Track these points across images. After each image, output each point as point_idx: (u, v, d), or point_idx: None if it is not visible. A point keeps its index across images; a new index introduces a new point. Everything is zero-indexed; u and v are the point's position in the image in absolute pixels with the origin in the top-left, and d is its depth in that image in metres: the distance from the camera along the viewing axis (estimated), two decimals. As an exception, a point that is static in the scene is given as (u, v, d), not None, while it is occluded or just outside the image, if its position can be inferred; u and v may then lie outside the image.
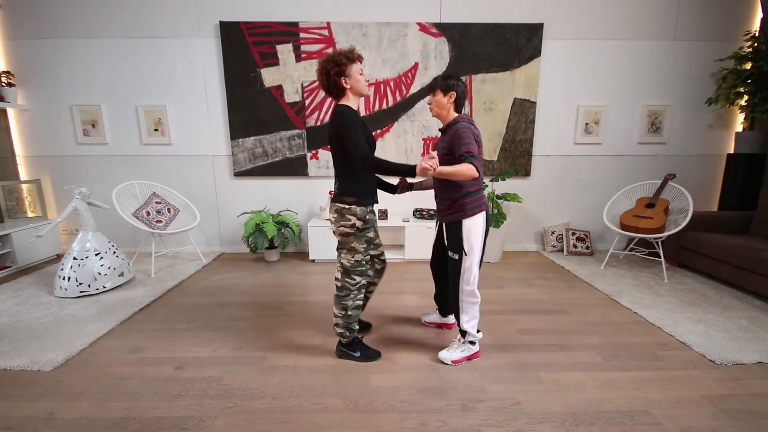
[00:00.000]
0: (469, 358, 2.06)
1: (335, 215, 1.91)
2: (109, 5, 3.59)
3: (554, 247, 4.10)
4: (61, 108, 3.79)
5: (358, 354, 2.06)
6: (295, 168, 3.91)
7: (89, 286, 2.86)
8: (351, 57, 1.83)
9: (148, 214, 3.55)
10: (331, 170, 3.93)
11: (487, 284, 3.19)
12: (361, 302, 2.04)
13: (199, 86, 3.77)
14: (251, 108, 3.77)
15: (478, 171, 1.76)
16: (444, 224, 2.02)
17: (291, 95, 3.76)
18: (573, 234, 4.02)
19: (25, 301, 2.80)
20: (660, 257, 3.38)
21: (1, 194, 3.71)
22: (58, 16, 3.61)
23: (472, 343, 2.04)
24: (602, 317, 2.58)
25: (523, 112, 3.85)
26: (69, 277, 2.82)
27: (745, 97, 3.65)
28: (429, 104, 2.02)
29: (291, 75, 3.72)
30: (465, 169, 1.74)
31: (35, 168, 3.93)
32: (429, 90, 2.00)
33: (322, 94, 3.76)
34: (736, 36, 3.73)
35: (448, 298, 2.23)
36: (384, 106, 3.80)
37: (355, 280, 1.98)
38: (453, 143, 1.85)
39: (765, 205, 3.26)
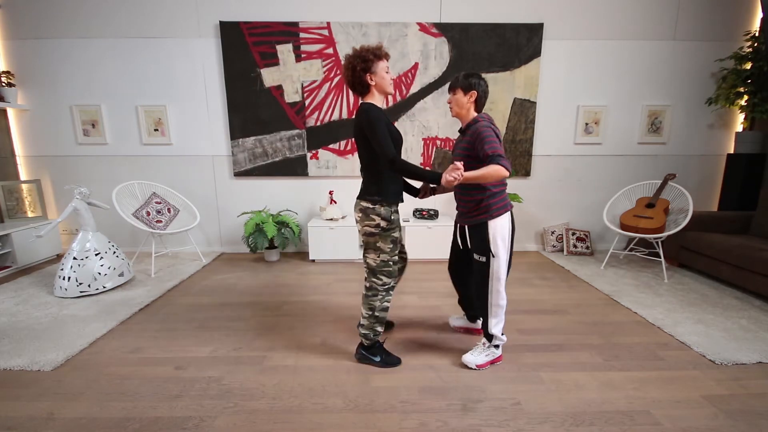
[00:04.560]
0: (492, 362, 2.01)
1: (360, 214, 1.88)
2: (109, 5, 3.59)
3: (554, 247, 4.10)
4: (61, 108, 3.79)
5: (377, 359, 2.01)
6: (295, 168, 3.91)
7: (89, 286, 2.86)
8: (378, 54, 1.80)
9: (148, 214, 3.55)
10: (331, 170, 3.93)
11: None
12: (389, 304, 1.99)
13: (199, 86, 3.77)
14: (251, 108, 3.77)
15: (507, 169, 1.69)
16: (467, 227, 1.97)
17: (291, 95, 3.76)
18: (573, 234, 4.02)
19: (25, 301, 2.80)
20: (660, 257, 3.38)
21: (1, 194, 3.71)
22: (58, 16, 3.61)
23: (497, 347, 2.01)
24: (602, 317, 2.58)
25: (523, 112, 3.85)
26: (69, 277, 2.82)
27: (745, 97, 3.65)
28: (449, 103, 1.95)
29: (291, 75, 3.72)
30: (493, 171, 1.68)
31: (35, 168, 3.93)
32: (449, 88, 1.93)
33: (322, 94, 3.76)
34: (736, 36, 3.73)
35: (472, 302, 2.22)
36: (384, 106, 3.79)
37: (381, 280, 1.92)
38: (474, 144, 1.80)
39: (765, 205, 3.25)
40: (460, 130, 1.97)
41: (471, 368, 1.98)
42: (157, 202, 3.67)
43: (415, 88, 3.78)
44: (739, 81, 3.59)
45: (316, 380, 1.90)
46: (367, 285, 1.96)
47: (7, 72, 3.65)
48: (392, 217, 1.86)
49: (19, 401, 1.74)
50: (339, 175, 3.94)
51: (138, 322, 2.51)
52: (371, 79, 1.81)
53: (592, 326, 2.45)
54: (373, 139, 1.74)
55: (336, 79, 3.74)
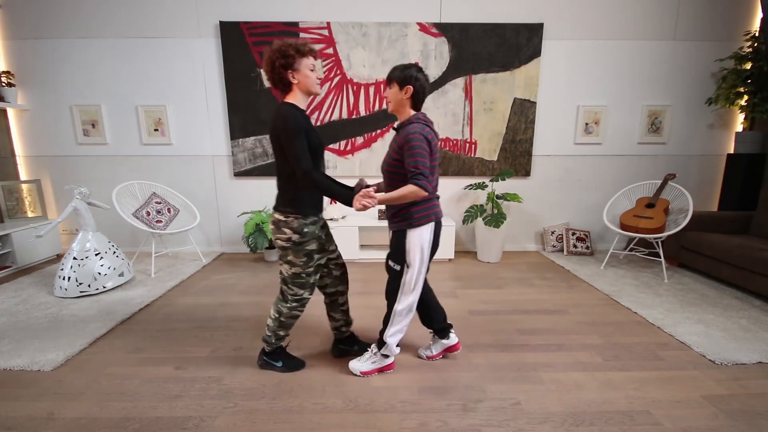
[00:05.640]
0: (380, 370, 1.94)
1: (272, 226, 1.76)
2: (109, 5, 3.59)
3: (554, 247, 4.10)
4: (61, 108, 3.79)
5: (280, 364, 1.96)
6: (295, 168, 3.90)
7: (89, 286, 2.86)
8: (302, 50, 1.65)
9: (148, 214, 3.55)
10: (330, 170, 3.93)
11: (487, 284, 3.19)
12: (299, 314, 1.89)
13: (199, 86, 3.77)
14: (251, 108, 3.77)
15: (426, 190, 1.61)
16: (390, 232, 1.86)
17: (291, 95, 3.75)
18: (573, 234, 4.02)
19: (25, 301, 2.80)
20: (660, 257, 3.38)
21: (1, 194, 3.71)
22: (58, 16, 3.61)
23: (386, 356, 1.92)
24: (602, 317, 2.58)
25: (523, 112, 3.85)
26: (69, 277, 2.82)
27: (745, 97, 3.65)
28: (385, 97, 1.80)
29: (291, 75, 3.71)
30: (409, 192, 1.60)
31: (35, 168, 3.93)
32: (386, 81, 1.78)
33: (322, 93, 3.76)
34: (736, 36, 3.73)
35: (430, 317, 2.03)
36: (384, 106, 3.80)
37: (293, 290, 1.83)
38: (403, 150, 1.67)
39: (765, 205, 3.25)
40: (395, 128, 1.82)
41: (356, 375, 1.92)
42: (157, 202, 3.67)
43: (415, 88, 3.77)
44: (739, 81, 3.59)
45: (316, 380, 1.90)
46: (281, 288, 1.88)
47: (7, 72, 3.65)
48: (305, 230, 1.73)
49: (19, 401, 1.74)
50: (339, 175, 3.94)
51: (138, 322, 2.51)
52: (293, 77, 1.66)
53: (592, 326, 2.45)
54: (288, 148, 1.61)
55: (336, 79, 3.74)
